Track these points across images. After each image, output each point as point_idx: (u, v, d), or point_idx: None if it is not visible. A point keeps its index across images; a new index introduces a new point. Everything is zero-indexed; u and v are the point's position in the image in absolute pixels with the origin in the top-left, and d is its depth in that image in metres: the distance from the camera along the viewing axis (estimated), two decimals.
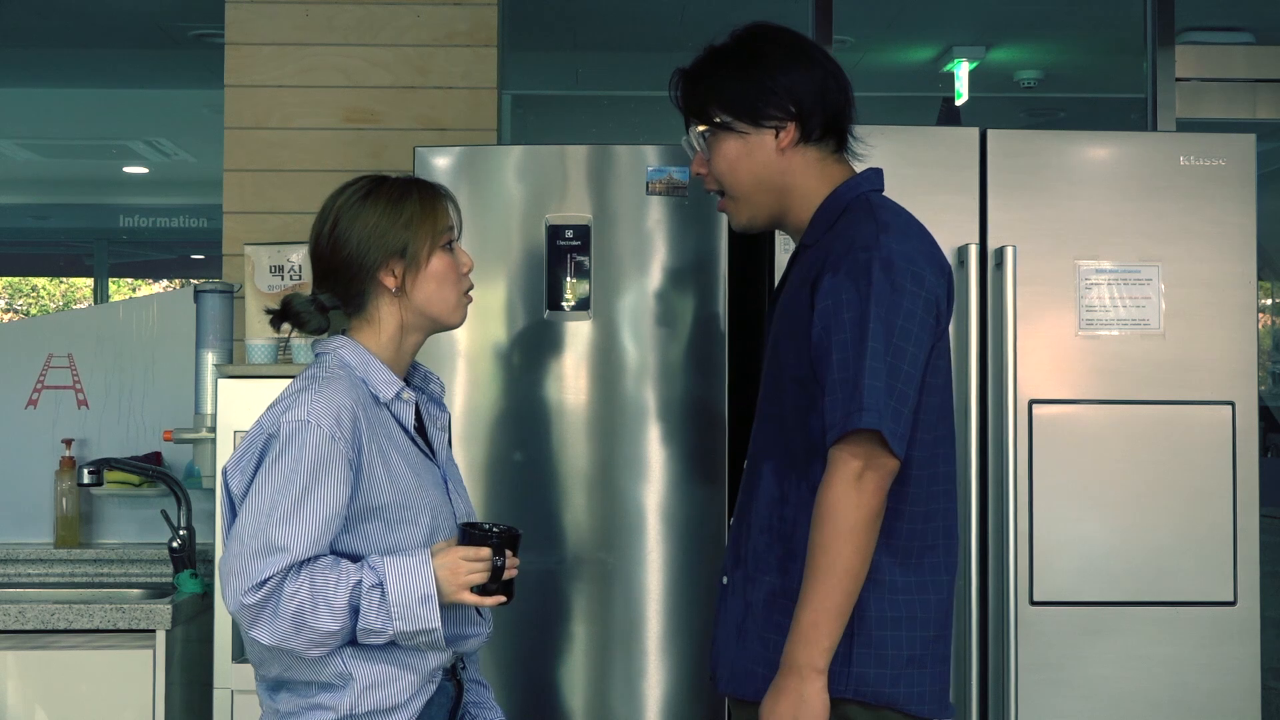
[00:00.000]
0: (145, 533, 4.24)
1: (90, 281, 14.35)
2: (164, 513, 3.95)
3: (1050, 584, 3.31)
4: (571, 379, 3.37)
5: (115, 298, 13.44)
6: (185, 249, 13.10)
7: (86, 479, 3.98)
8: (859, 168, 2.53)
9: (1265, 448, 5.45)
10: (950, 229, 3.31)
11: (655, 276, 3.38)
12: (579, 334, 3.38)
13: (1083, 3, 6.20)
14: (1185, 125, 4.66)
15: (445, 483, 2.45)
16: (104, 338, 4.33)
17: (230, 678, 3.56)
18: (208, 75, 5.65)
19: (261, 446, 2.27)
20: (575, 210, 3.39)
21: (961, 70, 6.67)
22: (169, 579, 4.01)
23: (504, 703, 3.18)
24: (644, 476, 3.36)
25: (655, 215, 3.38)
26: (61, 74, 7.70)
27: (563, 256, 3.37)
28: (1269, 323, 9.00)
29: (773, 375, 2.50)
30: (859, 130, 2.56)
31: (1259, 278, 3.47)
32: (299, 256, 3.92)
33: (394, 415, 2.38)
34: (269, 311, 2.43)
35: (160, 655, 3.56)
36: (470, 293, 2.45)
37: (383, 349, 2.39)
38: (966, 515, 3.26)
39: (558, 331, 3.38)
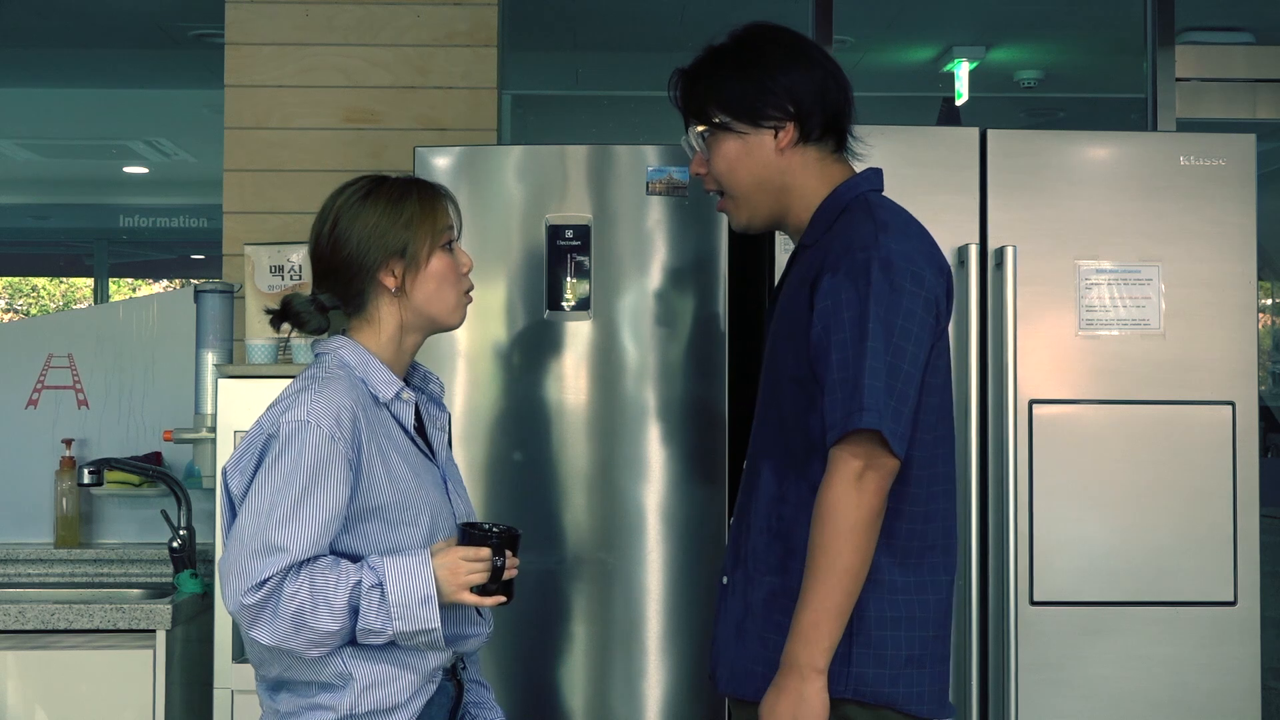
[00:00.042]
0: (145, 533, 4.24)
1: (90, 281, 14.36)
2: (164, 513, 3.95)
3: (1050, 584, 3.31)
4: (571, 379, 3.37)
5: (115, 298, 13.44)
6: (185, 249, 13.10)
7: (86, 479, 3.98)
8: (859, 167, 2.53)
9: (1265, 448, 5.44)
10: (950, 229, 3.31)
11: (655, 276, 3.38)
12: (579, 334, 3.38)
13: (1083, 3, 6.20)
14: (1185, 125, 4.66)
15: (445, 483, 2.45)
16: (104, 338, 4.33)
17: (230, 678, 3.56)
18: (208, 75, 5.65)
19: (261, 447, 2.27)
20: (575, 210, 3.39)
21: (961, 70, 6.67)
22: (169, 579, 4.01)
23: (504, 703, 3.18)
24: (644, 476, 3.36)
25: (655, 215, 3.39)
26: (61, 74, 7.70)
27: (563, 256, 3.37)
28: (1269, 323, 9.00)
29: (771, 375, 2.50)
30: (859, 130, 2.55)
31: (1259, 278, 3.47)
32: (299, 256, 3.92)
33: (393, 415, 2.38)
34: (269, 311, 2.43)
35: (160, 655, 3.56)
36: (470, 293, 2.45)
37: (382, 349, 2.39)
38: (966, 515, 3.27)
39: (558, 331, 3.38)
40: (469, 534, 2.31)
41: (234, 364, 3.96)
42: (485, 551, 2.30)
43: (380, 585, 2.23)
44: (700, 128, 2.50)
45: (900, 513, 2.37)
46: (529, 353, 3.39)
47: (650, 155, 3.38)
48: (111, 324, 4.35)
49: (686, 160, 3.21)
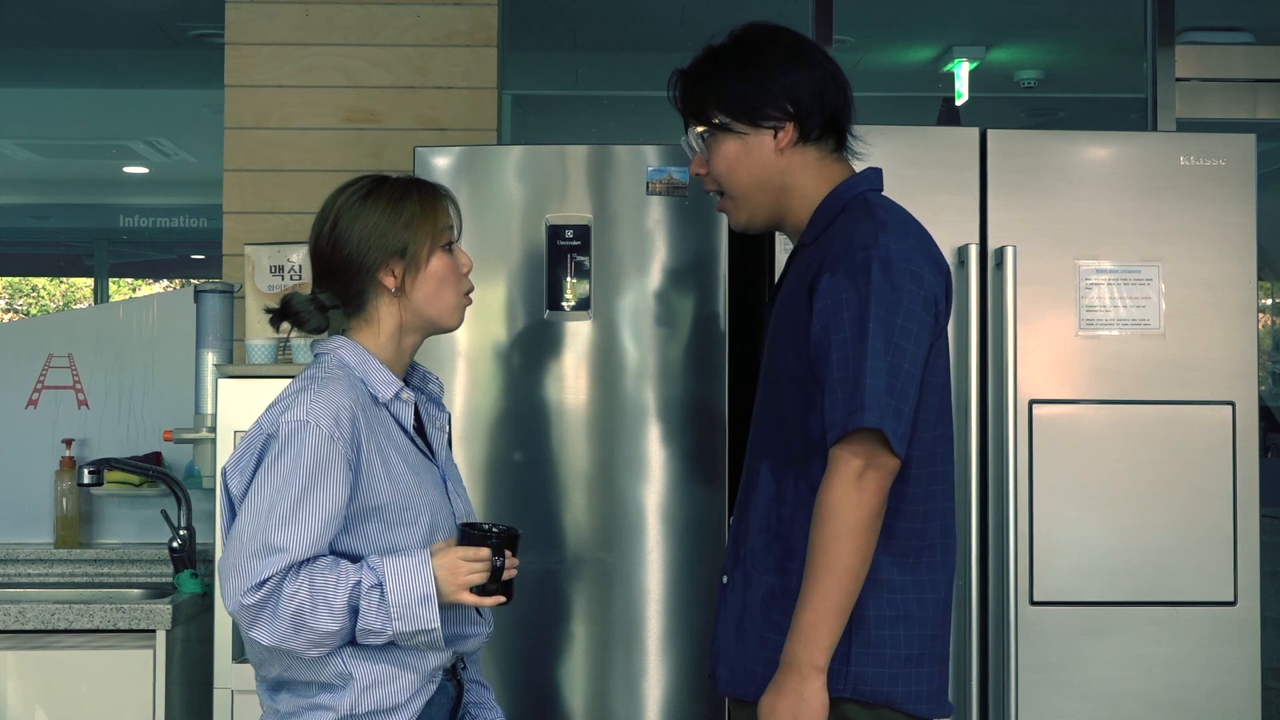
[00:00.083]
0: (145, 533, 4.24)
1: (90, 281, 14.36)
2: (164, 513, 3.95)
3: (1050, 584, 3.31)
4: (571, 379, 3.37)
5: (115, 298, 13.45)
6: (185, 249, 13.10)
7: (87, 479, 3.98)
8: (858, 167, 2.53)
9: (1265, 448, 5.44)
10: (950, 229, 3.31)
11: (655, 276, 3.38)
12: (579, 334, 3.38)
13: (1083, 3, 6.20)
14: (1185, 125, 4.66)
15: (445, 482, 2.45)
16: (104, 338, 4.33)
17: (230, 678, 3.56)
18: (208, 75, 5.65)
19: (260, 447, 2.27)
20: (575, 210, 3.39)
21: (961, 70, 6.67)
22: (169, 579, 4.01)
23: (504, 703, 3.18)
24: (644, 476, 3.36)
25: (655, 215, 3.39)
26: (61, 74, 7.70)
27: (563, 256, 3.37)
28: (1269, 323, 9.00)
29: (771, 374, 2.50)
30: (859, 130, 2.55)
31: (1259, 278, 3.47)
32: (299, 256, 3.92)
33: (393, 415, 2.38)
34: (269, 310, 2.43)
35: (160, 655, 3.56)
36: (470, 294, 2.45)
37: (381, 349, 2.39)
38: (966, 515, 3.26)
39: (558, 331, 3.38)
40: (469, 534, 2.31)
41: (234, 364, 3.96)
42: (485, 552, 2.30)
43: (380, 585, 2.23)
44: (700, 128, 2.50)
45: (900, 512, 2.37)
46: (529, 353, 3.39)
47: (650, 155, 3.38)
48: (111, 324, 4.35)
49: (686, 160, 3.21)
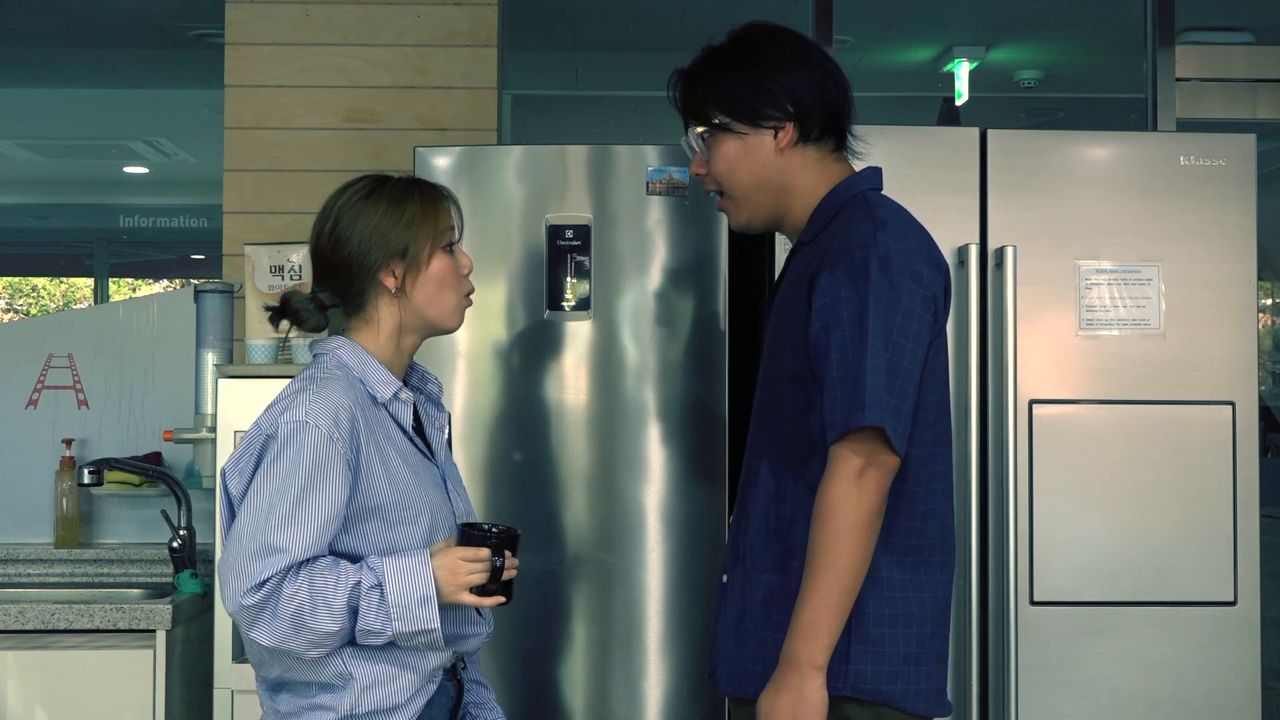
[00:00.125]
0: (145, 533, 4.24)
1: (90, 281, 14.36)
2: (164, 513, 3.95)
3: (1050, 584, 3.31)
4: (571, 379, 3.37)
5: (115, 298, 13.45)
6: (185, 249, 13.10)
7: (87, 479, 3.98)
8: (858, 167, 2.53)
9: (1265, 448, 5.44)
10: (950, 229, 3.31)
11: (655, 276, 3.38)
12: (579, 334, 3.38)
13: (1083, 3, 6.20)
14: (1185, 125, 4.66)
15: (444, 482, 2.45)
16: (104, 338, 4.33)
17: (230, 678, 3.56)
18: (208, 75, 5.65)
19: (259, 447, 2.27)
20: (575, 210, 3.39)
21: (961, 70, 6.67)
22: (169, 579, 4.01)
23: (504, 703, 3.18)
24: (644, 476, 3.36)
25: (655, 215, 3.39)
26: (61, 74, 7.70)
27: (563, 256, 3.37)
28: (1269, 323, 9.00)
29: (770, 373, 2.50)
30: (859, 130, 2.55)
31: (1259, 278, 3.47)
32: (299, 256, 3.92)
33: (392, 415, 2.37)
34: (268, 308, 2.43)
35: (160, 655, 3.56)
36: (470, 296, 2.45)
37: (380, 349, 2.39)
38: (966, 515, 3.27)
39: (558, 331, 3.38)
40: (468, 534, 2.31)
41: (234, 364, 3.96)
42: (484, 552, 2.29)
43: (379, 586, 2.23)
44: (700, 128, 2.50)
45: (900, 511, 2.38)
46: (529, 353, 3.39)
47: (650, 155, 3.38)
48: (111, 324, 4.35)
49: (686, 160, 3.21)
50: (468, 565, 2.28)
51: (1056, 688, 3.30)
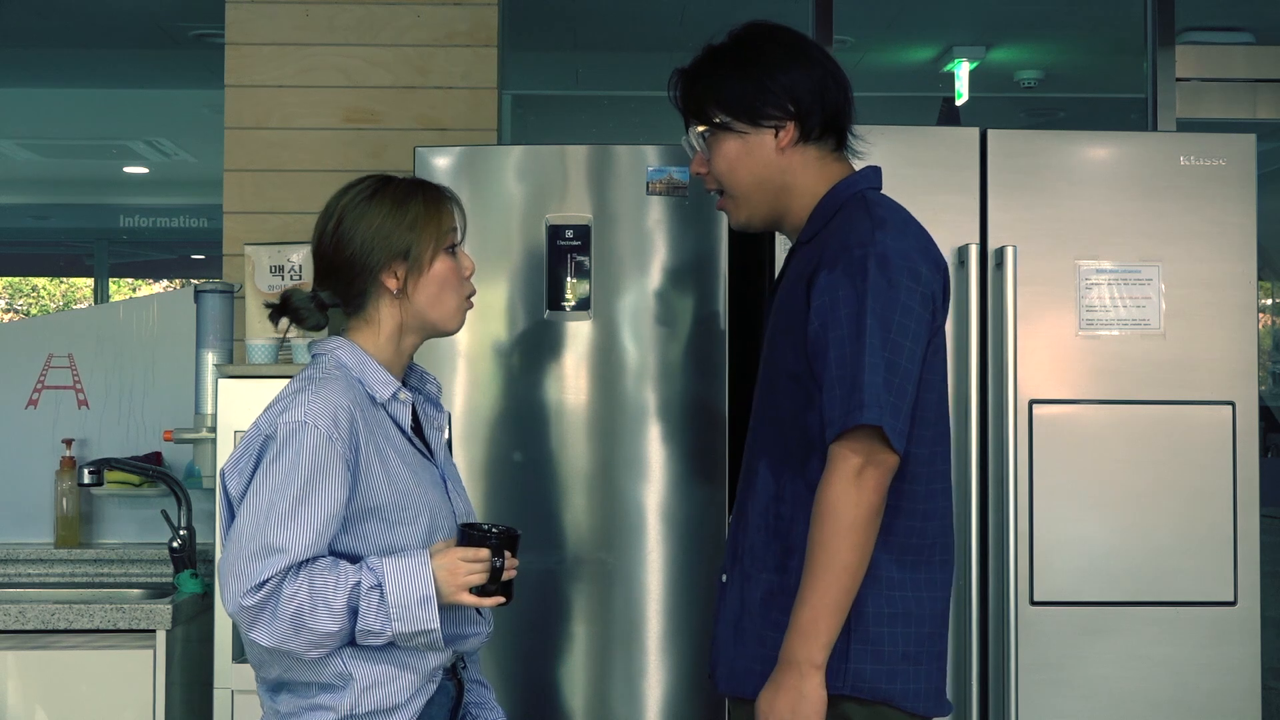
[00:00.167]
0: (145, 533, 4.24)
1: (90, 281, 14.36)
2: (164, 513, 3.95)
3: (1050, 584, 3.31)
4: (571, 379, 3.37)
5: (115, 298, 13.45)
6: (185, 249, 13.10)
7: (87, 479, 3.98)
8: (858, 166, 2.53)
9: (1265, 448, 5.45)
10: (950, 229, 3.31)
11: (655, 276, 3.38)
12: (579, 334, 3.38)
13: (1083, 3, 6.20)
14: (1185, 125, 4.66)
15: (444, 482, 2.45)
16: (104, 338, 4.33)
17: (230, 678, 3.56)
18: (208, 75, 5.65)
19: (259, 448, 2.27)
20: (575, 210, 3.39)
21: (961, 70, 6.67)
22: (169, 579, 4.01)
23: (504, 703, 3.18)
24: (644, 476, 3.36)
25: (655, 215, 3.39)
26: (61, 74, 7.70)
27: (563, 256, 3.37)
28: (1269, 323, 9.00)
29: (769, 372, 2.50)
30: (859, 130, 2.56)
31: (1259, 278, 3.47)
32: (299, 256, 3.92)
33: (391, 416, 2.37)
34: (268, 305, 2.43)
35: (160, 655, 3.56)
36: (471, 298, 2.45)
37: (380, 350, 2.39)
38: (966, 515, 3.27)
39: (558, 331, 3.38)
40: (468, 534, 2.31)
41: (234, 364, 3.96)
42: (484, 552, 2.29)
43: (379, 586, 2.23)
44: (700, 128, 2.50)
45: (899, 510, 2.38)
46: (529, 353, 3.39)
47: (650, 155, 3.38)
48: (111, 324, 4.35)
49: (686, 160, 3.21)
50: (467, 565, 2.28)
51: (1056, 688, 3.30)
